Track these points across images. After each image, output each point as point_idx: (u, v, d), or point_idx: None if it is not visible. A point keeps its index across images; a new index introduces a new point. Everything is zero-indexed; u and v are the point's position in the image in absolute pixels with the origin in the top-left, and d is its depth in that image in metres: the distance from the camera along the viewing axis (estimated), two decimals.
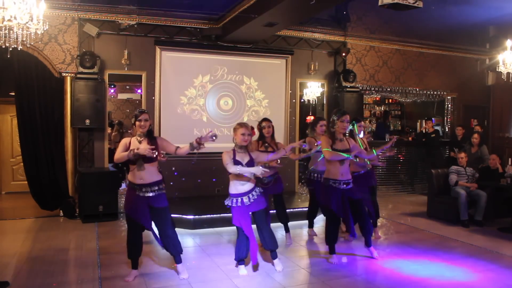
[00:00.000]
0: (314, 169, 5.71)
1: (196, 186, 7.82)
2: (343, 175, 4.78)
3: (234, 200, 4.40)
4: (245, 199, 4.38)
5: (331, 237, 4.90)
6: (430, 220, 7.06)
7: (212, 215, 6.44)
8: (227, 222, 6.49)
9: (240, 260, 4.54)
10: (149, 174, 4.20)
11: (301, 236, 6.12)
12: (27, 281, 4.32)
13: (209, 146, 4.46)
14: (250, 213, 4.46)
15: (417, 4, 4.78)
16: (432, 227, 6.56)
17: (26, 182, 7.22)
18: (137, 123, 4.20)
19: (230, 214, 6.45)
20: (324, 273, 4.61)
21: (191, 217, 6.34)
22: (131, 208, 4.23)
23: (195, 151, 4.23)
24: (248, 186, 4.40)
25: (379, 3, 4.79)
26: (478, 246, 5.58)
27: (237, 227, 4.53)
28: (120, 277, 4.38)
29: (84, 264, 4.81)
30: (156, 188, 4.23)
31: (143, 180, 4.18)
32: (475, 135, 8.10)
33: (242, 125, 4.44)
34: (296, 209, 6.88)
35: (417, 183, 9.88)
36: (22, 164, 7.65)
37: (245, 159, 4.38)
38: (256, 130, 5.05)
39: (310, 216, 6.17)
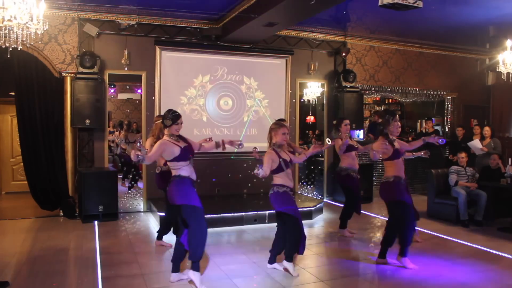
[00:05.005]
0: (348, 167, 5.97)
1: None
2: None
3: (287, 190, 4.46)
4: (291, 193, 4.49)
5: (407, 237, 4.73)
6: (430, 220, 7.06)
7: (212, 215, 6.42)
8: (227, 222, 6.51)
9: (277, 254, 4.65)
10: None
11: None
12: (27, 281, 4.33)
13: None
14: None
15: (417, 4, 4.79)
16: (432, 227, 6.57)
17: (26, 182, 7.24)
18: (174, 126, 4.13)
19: (230, 214, 6.43)
20: (324, 273, 4.62)
21: None
22: (197, 200, 4.21)
23: (218, 149, 4.52)
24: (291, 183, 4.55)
25: (379, 3, 4.79)
26: (478, 246, 5.59)
27: (283, 220, 4.58)
28: (120, 277, 4.38)
29: (84, 264, 4.81)
30: None
31: (195, 176, 4.30)
32: (486, 128, 8.18)
33: (281, 124, 4.51)
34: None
35: (417, 183, 9.87)
36: (22, 164, 7.65)
37: (286, 157, 4.45)
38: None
39: (348, 216, 6.10)
